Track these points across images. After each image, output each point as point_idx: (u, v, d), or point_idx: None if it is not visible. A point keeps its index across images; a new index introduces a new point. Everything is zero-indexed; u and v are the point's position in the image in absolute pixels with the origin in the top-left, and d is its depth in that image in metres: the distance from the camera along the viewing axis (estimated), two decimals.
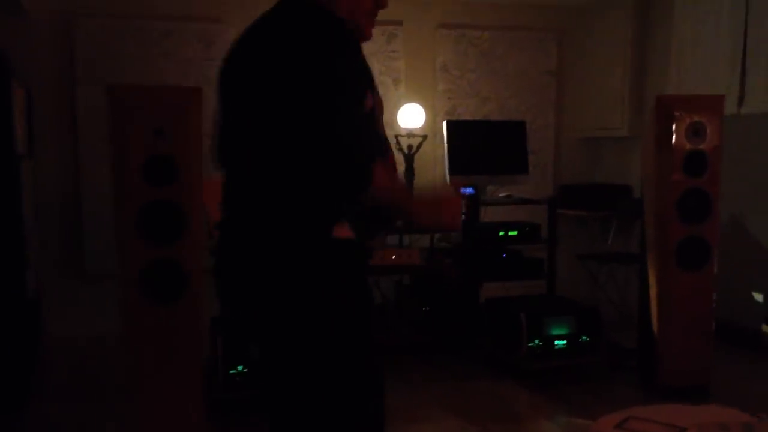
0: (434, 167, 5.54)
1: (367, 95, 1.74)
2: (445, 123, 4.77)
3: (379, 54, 5.35)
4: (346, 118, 1.62)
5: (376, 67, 5.35)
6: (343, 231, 1.70)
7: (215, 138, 1.83)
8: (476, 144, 4.78)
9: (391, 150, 1.98)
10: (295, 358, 1.72)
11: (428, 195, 1.84)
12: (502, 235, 4.68)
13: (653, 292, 3.81)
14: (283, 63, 1.63)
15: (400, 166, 5.04)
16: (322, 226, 1.68)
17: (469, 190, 4.60)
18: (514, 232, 4.70)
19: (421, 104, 5.12)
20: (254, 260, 1.72)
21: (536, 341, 4.02)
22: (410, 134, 4.91)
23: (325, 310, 1.69)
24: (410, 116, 5.00)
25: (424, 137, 4.91)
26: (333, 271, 1.71)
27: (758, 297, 4.65)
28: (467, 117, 5.63)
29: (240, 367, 3.58)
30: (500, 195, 4.85)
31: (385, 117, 5.36)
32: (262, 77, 1.66)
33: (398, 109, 5.07)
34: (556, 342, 4.07)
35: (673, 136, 3.67)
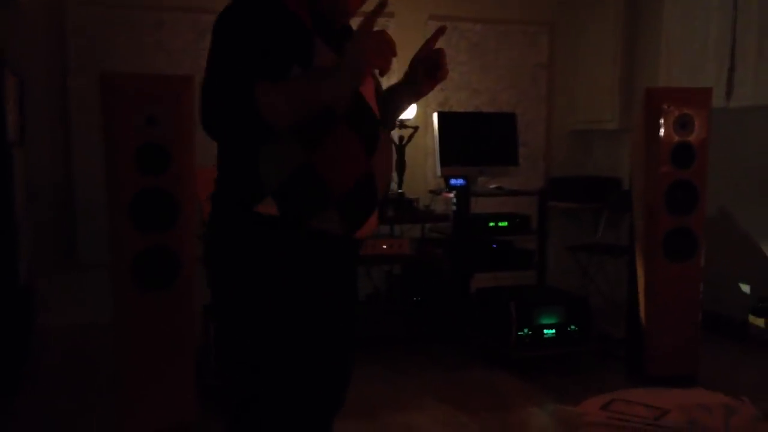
0: (425, 159, 5.57)
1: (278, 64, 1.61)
2: (436, 114, 4.80)
3: None
4: (222, 79, 1.56)
5: None
6: (266, 207, 1.64)
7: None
8: (467, 136, 4.80)
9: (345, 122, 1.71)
10: (224, 336, 1.77)
11: (348, 49, 1.60)
12: (492, 226, 4.71)
13: (641, 282, 3.86)
14: (214, 32, 1.67)
15: None
16: (244, 204, 1.65)
17: (459, 182, 4.62)
18: (504, 223, 4.74)
19: None
20: (205, 238, 1.78)
21: (525, 330, 4.06)
22: (401, 125, 4.93)
23: (243, 290, 1.68)
24: None
25: (416, 128, 4.93)
26: (249, 252, 1.66)
27: (745, 288, 4.70)
28: (459, 109, 5.66)
29: None
30: (491, 186, 4.88)
31: None
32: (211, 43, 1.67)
33: None
34: (545, 331, 4.11)
35: (661, 129, 3.71)
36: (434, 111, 5.04)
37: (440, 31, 1.89)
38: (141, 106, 3.00)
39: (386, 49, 1.61)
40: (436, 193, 4.95)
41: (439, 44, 1.93)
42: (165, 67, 4.87)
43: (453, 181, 4.62)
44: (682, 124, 3.75)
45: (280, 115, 1.57)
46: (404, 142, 4.89)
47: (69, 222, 4.93)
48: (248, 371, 1.71)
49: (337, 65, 1.61)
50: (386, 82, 1.97)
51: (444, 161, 4.68)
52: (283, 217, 1.64)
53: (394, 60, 1.66)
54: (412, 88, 1.93)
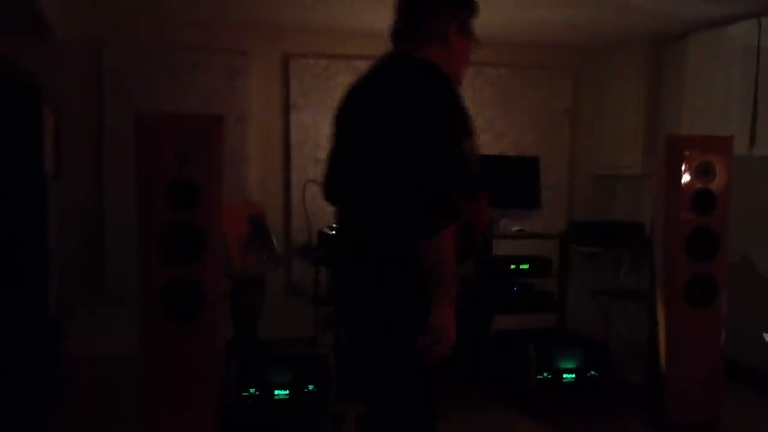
0: None
1: (464, 139, 2.01)
2: None
3: None
4: (438, 158, 1.91)
5: None
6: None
7: (327, 173, 2.25)
8: (490, 178, 4.85)
9: (484, 187, 2.21)
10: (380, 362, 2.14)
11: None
12: (513, 269, 4.73)
13: (662, 328, 3.85)
14: (397, 109, 1.96)
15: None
16: (404, 250, 1.96)
17: None
18: (526, 266, 4.75)
19: None
20: (360, 277, 2.10)
21: (545, 374, 4.06)
22: None
23: (396, 324, 2.06)
24: None
25: None
26: (409, 289, 2.01)
27: None
28: (482, 152, 5.71)
29: (252, 390, 3.64)
30: (513, 229, 4.92)
31: None
32: (378, 121, 2.00)
33: None
34: (565, 375, 4.10)
35: (683, 175, 3.74)
36: None
37: None
38: (173, 143, 3.11)
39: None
40: None
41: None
42: (198, 106, 5.00)
43: None
44: (704, 171, 3.77)
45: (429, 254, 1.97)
46: None
47: (98, 253, 5.04)
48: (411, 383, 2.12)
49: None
50: None
51: None
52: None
53: None
54: None
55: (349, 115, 2.16)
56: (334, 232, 2.31)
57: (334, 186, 2.23)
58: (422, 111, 1.92)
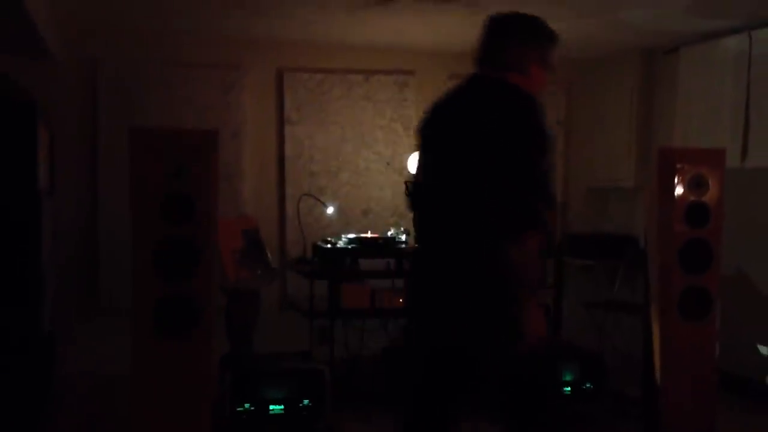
0: None
1: (547, 156, 2.20)
2: None
3: (391, 101, 5.50)
4: (535, 172, 2.14)
5: (387, 114, 5.49)
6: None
7: (418, 184, 2.49)
8: None
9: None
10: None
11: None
12: None
13: (656, 341, 3.85)
14: (494, 128, 2.17)
15: (409, 212, 5.14)
16: (495, 255, 2.17)
17: None
18: None
19: None
20: (452, 282, 2.28)
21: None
22: None
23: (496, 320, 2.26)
24: None
25: None
26: (501, 292, 2.22)
27: (763, 350, 4.67)
28: None
29: (247, 405, 3.63)
30: None
31: (396, 163, 5.51)
32: (476, 138, 2.19)
33: (408, 156, 5.19)
34: (561, 388, 4.09)
35: (676, 188, 3.76)
36: None
37: None
38: (167, 158, 3.11)
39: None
40: None
41: None
42: (193, 121, 5.03)
43: None
44: (697, 184, 3.79)
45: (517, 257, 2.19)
46: None
47: (92, 269, 5.03)
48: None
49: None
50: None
51: None
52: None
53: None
54: None
55: (443, 132, 2.33)
56: (421, 243, 2.48)
57: (425, 197, 2.42)
58: (516, 131, 2.15)
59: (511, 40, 2.35)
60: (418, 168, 2.49)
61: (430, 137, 2.40)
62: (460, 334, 2.34)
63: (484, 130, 2.19)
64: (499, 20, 2.43)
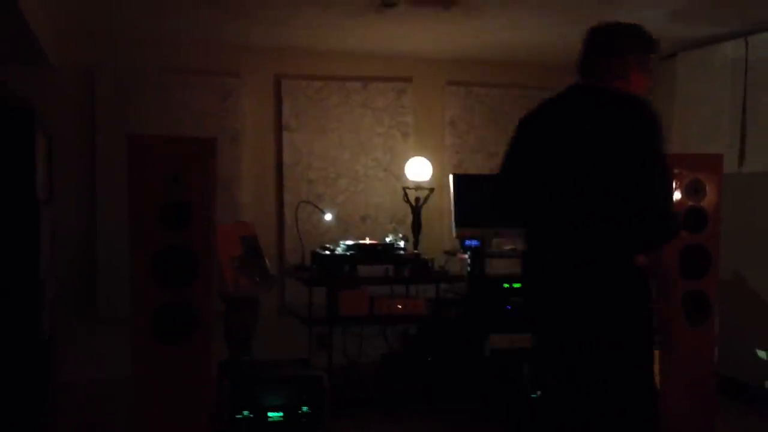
0: (441, 220, 5.64)
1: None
2: (451, 176, 4.88)
3: (388, 108, 5.50)
4: (668, 189, 2.30)
5: (386, 121, 5.50)
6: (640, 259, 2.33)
7: (512, 191, 2.56)
8: (482, 197, 4.86)
9: None
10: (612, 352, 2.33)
11: None
12: (507, 287, 4.74)
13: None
14: (625, 138, 2.26)
15: (407, 218, 5.16)
16: (627, 256, 2.27)
17: (474, 243, 4.68)
18: (519, 285, 4.76)
19: (428, 158, 5.25)
20: (583, 282, 2.32)
21: (539, 393, 4.05)
22: (418, 187, 5.03)
23: (630, 319, 2.31)
24: (418, 169, 5.12)
25: (431, 190, 5.03)
26: (636, 288, 2.32)
27: (762, 354, 4.67)
28: (474, 171, 5.75)
29: (246, 412, 3.63)
30: (505, 248, 4.93)
31: (393, 169, 5.52)
32: (607, 148, 2.28)
33: (406, 162, 5.20)
34: None
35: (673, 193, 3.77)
36: (450, 173, 5.13)
37: None
38: (165, 166, 3.12)
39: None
40: (451, 254, 5.00)
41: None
42: (191, 128, 5.01)
43: (468, 242, 4.68)
44: (695, 189, 3.80)
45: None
46: (420, 203, 4.98)
47: (91, 276, 5.02)
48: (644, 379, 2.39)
49: None
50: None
51: (459, 222, 4.75)
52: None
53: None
54: None
55: (565, 144, 2.37)
56: (543, 253, 2.48)
57: (543, 208, 2.42)
58: (647, 139, 2.24)
59: (614, 49, 2.45)
60: (514, 177, 2.57)
61: (546, 149, 2.43)
62: (599, 350, 2.34)
63: (621, 142, 2.26)
64: (600, 30, 2.52)
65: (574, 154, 2.33)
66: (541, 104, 2.57)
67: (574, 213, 2.33)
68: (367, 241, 4.84)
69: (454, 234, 4.81)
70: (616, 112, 2.31)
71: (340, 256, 4.58)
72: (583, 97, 2.44)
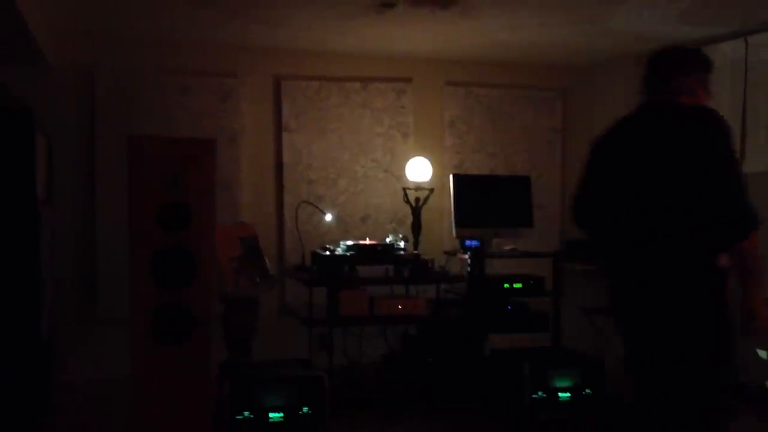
0: (441, 220, 5.64)
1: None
2: (452, 177, 4.88)
3: (388, 109, 5.50)
4: (743, 186, 2.43)
5: (385, 121, 5.50)
6: (723, 260, 2.49)
7: (593, 208, 2.82)
8: (482, 198, 4.88)
9: None
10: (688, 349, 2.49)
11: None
12: (507, 288, 4.74)
13: None
14: (709, 146, 2.45)
15: (408, 219, 5.16)
16: (711, 258, 2.44)
17: (474, 243, 4.68)
18: (519, 285, 4.76)
19: (428, 158, 5.25)
20: (666, 283, 2.49)
21: (540, 393, 4.05)
22: (418, 187, 5.03)
23: (710, 319, 2.47)
24: (418, 169, 5.12)
25: (431, 190, 5.03)
26: (717, 289, 2.47)
27: (762, 354, 4.67)
28: (474, 171, 5.75)
29: (246, 413, 3.62)
30: (505, 248, 4.93)
31: (393, 170, 5.52)
32: (694, 156, 2.45)
33: (406, 163, 5.20)
34: (560, 394, 4.09)
35: None
36: (450, 173, 5.13)
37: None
38: (164, 167, 3.12)
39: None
40: (451, 254, 5.00)
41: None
42: (190, 129, 5.01)
43: (468, 243, 4.68)
44: None
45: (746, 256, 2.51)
46: (420, 203, 4.98)
47: (90, 277, 5.02)
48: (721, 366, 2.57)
49: None
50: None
51: (459, 223, 4.75)
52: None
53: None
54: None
55: (642, 157, 2.57)
56: (631, 264, 2.64)
57: (639, 218, 2.55)
58: (722, 144, 2.44)
59: (678, 71, 2.68)
60: (595, 195, 2.83)
61: (630, 164, 2.62)
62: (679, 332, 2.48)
63: (693, 149, 2.45)
64: (664, 55, 2.75)
65: (658, 165, 2.52)
66: (614, 124, 2.83)
67: (661, 219, 2.50)
68: (367, 241, 4.84)
69: (454, 234, 4.81)
70: (692, 124, 2.50)
71: (340, 256, 4.58)
72: (660, 113, 2.64)
